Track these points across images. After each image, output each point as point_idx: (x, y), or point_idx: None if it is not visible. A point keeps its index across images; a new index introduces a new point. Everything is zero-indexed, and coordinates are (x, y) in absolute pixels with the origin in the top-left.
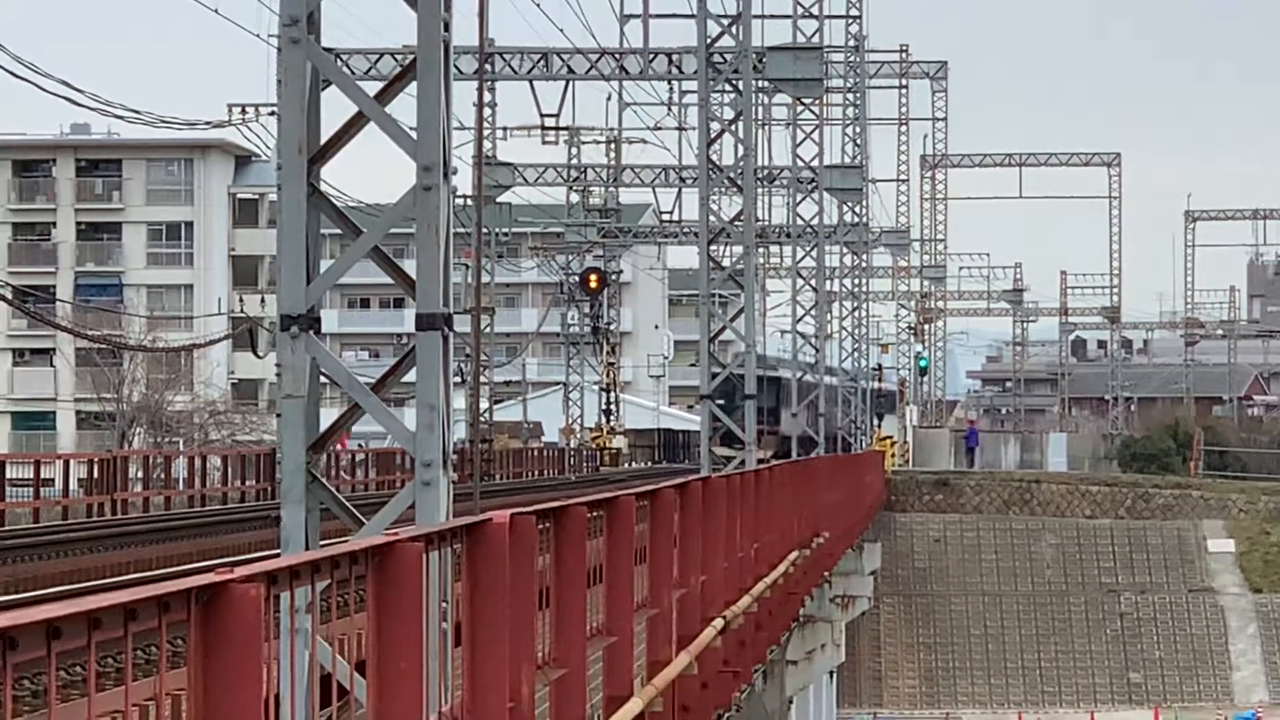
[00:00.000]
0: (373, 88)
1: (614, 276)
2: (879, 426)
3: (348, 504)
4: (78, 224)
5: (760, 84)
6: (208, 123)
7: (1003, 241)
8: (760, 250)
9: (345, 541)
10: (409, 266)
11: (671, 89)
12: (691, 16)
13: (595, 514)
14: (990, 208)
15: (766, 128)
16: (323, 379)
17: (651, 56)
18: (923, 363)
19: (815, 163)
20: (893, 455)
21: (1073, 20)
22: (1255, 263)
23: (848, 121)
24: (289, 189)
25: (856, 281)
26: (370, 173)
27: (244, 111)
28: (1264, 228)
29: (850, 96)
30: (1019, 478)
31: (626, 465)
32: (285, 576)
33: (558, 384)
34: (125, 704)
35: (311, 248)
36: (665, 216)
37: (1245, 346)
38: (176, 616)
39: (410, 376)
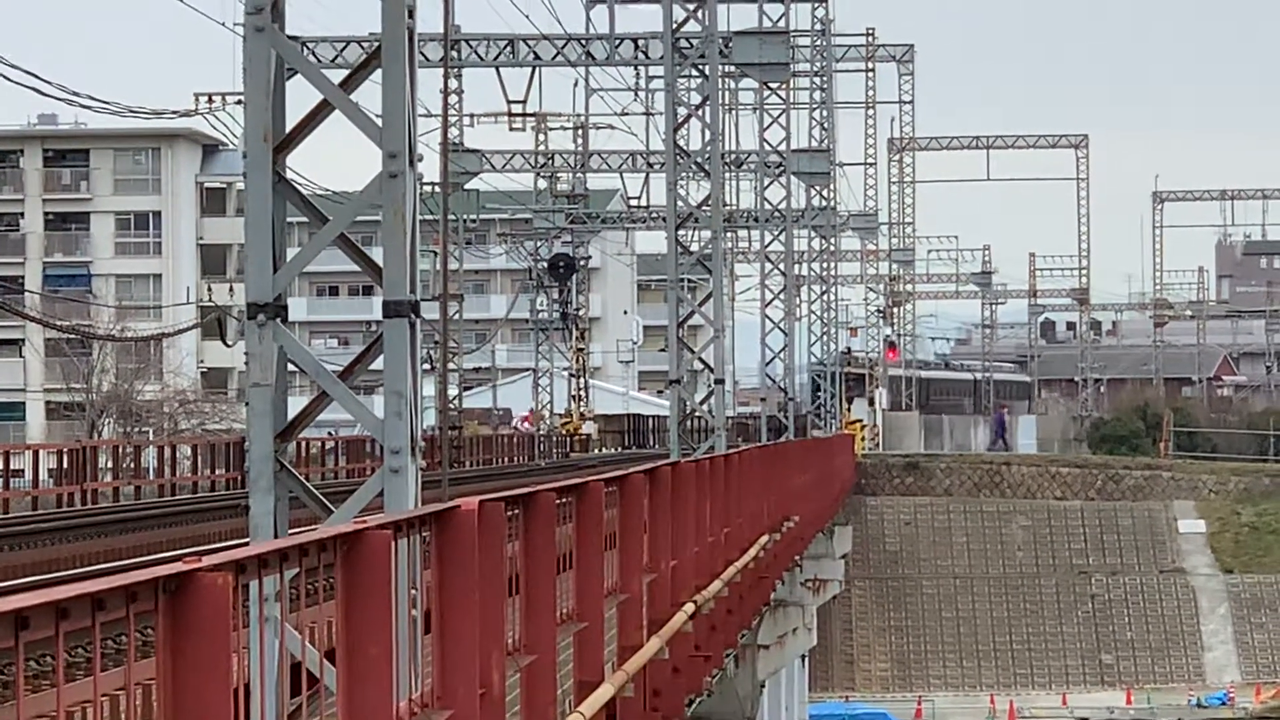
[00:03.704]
0: (339, 76)
1: (582, 262)
2: (848, 410)
3: (316, 492)
4: (45, 214)
5: (727, 68)
6: (175, 112)
7: (971, 224)
8: (728, 235)
9: (314, 530)
10: (378, 254)
11: (638, 74)
12: (657, 1)
13: (564, 500)
14: (958, 190)
15: (733, 112)
16: (291, 367)
17: (618, 42)
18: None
19: (782, 147)
20: (862, 439)
21: (1039, 2)
22: (1223, 243)
23: (815, 105)
24: (254, 177)
25: (825, 265)
26: (338, 161)
27: (210, 100)
28: (1232, 208)
29: (817, 80)
30: (989, 460)
31: (596, 451)
32: (253, 565)
33: (527, 370)
34: (94, 694)
35: (278, 236)
36: (633, 202)
37: (1214, 327)
38: (144, 606)
39: (378, 364)
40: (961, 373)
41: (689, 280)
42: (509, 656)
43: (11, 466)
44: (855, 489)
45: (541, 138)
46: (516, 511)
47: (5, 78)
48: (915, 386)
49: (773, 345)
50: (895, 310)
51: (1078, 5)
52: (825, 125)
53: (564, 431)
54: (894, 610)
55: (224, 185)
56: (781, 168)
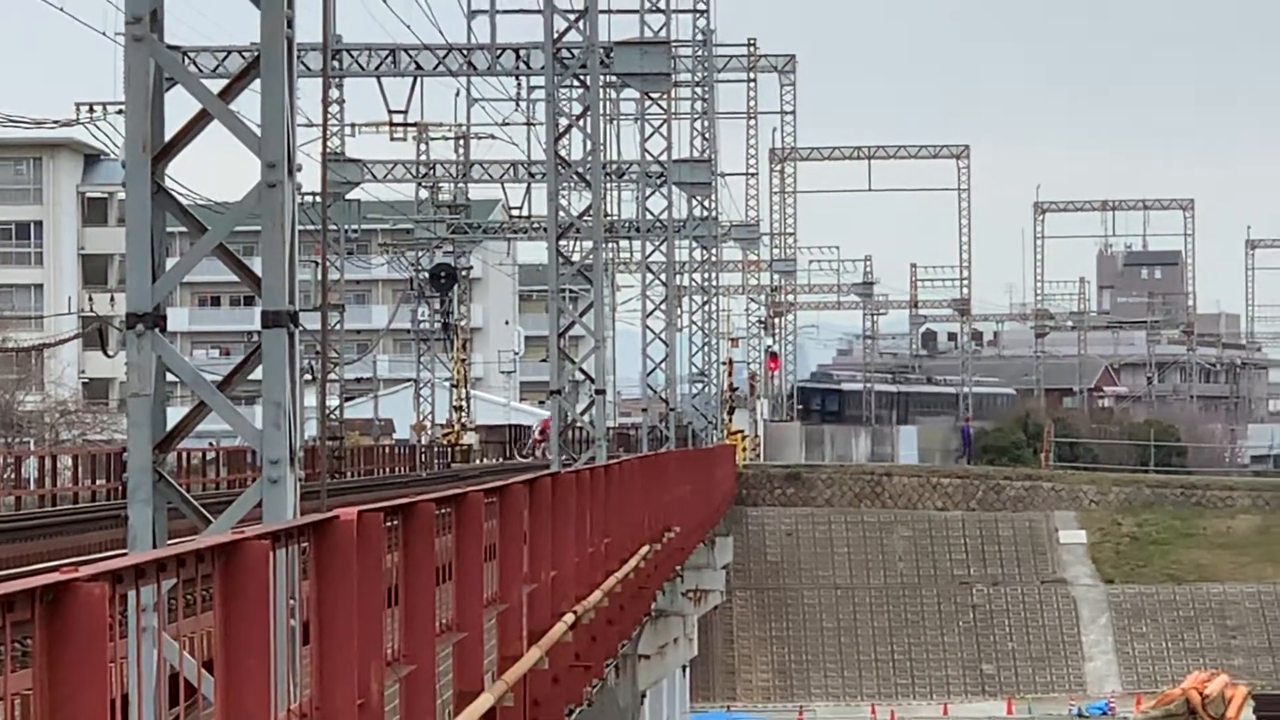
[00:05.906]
0: (220, 86)
1: (464, 272)
2: (730, 420)
3: (195, 502)
4: None
5: (608, 79)
6: (56, 122)
7: (853, 235)
8: (610, 245)
9: (193, 540)
10: (258, 265)
11: (519, 84)
12: (538, 12)
13: (444, 510)
14: (840, 201)
15: (615, 122)
16: (172, 377)
17: (499, 52)
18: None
19: (664, 157)
20: (744, 449)
21: (920, 13)
22: (1105, 254)
23: (696, 116)
24: (134, 187)
25: (706, 276)
26: (219, 171)
27: (92, 110)
28: (1113, 219)
29: (698, 90)
30: (870, 470)
31: (478, 461)
32: (131, 575)
33: (409, 381)
34: None
35: (156, 246)
36: (514, 212)
37: (1095, 338)
38: (21, 616)
39: (258, 374)
40: (944, 387)
41: (570, 290)
42: (388, 666)
43: None
44: (737, 500)
45: (423, 148)
46: (396, 522)
47: None
48: (899, 401)
49: (654, 356)
50: (776, 320)
51: (959, 19)
52: (707, 135)
53: (445, 442)
54: (775, 620)
55: (105, 195)
56: (663, 178)
